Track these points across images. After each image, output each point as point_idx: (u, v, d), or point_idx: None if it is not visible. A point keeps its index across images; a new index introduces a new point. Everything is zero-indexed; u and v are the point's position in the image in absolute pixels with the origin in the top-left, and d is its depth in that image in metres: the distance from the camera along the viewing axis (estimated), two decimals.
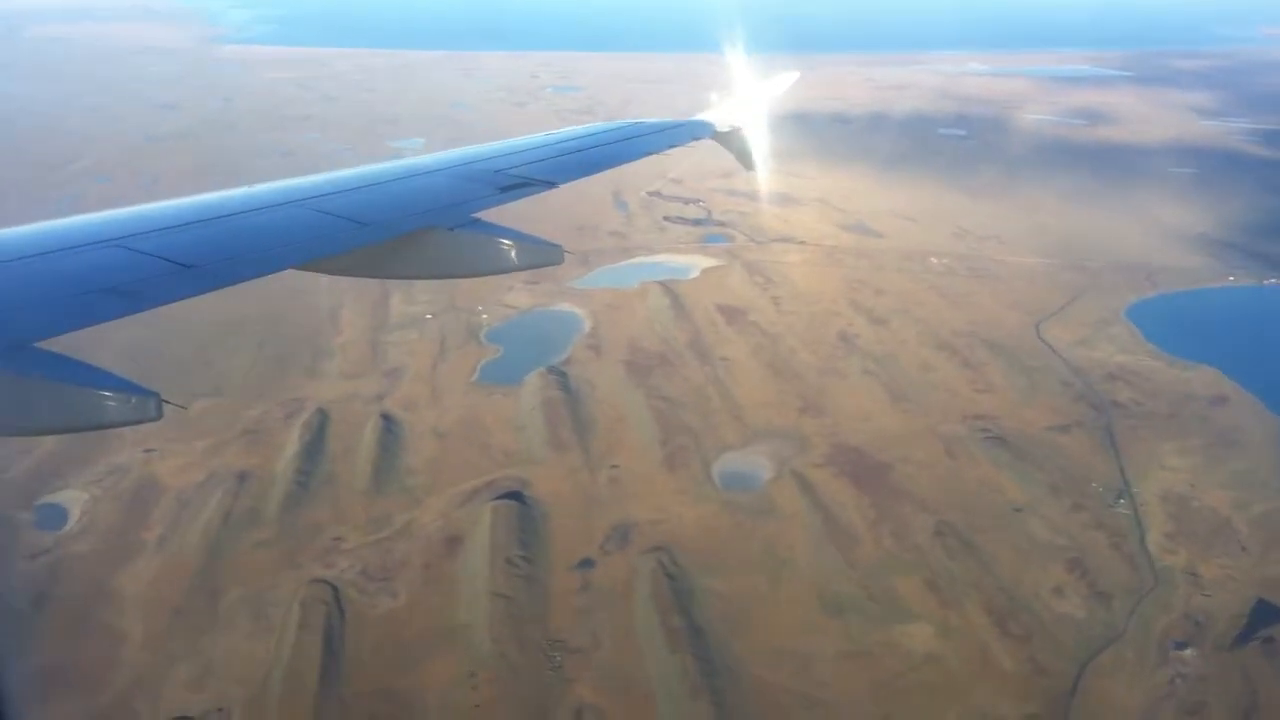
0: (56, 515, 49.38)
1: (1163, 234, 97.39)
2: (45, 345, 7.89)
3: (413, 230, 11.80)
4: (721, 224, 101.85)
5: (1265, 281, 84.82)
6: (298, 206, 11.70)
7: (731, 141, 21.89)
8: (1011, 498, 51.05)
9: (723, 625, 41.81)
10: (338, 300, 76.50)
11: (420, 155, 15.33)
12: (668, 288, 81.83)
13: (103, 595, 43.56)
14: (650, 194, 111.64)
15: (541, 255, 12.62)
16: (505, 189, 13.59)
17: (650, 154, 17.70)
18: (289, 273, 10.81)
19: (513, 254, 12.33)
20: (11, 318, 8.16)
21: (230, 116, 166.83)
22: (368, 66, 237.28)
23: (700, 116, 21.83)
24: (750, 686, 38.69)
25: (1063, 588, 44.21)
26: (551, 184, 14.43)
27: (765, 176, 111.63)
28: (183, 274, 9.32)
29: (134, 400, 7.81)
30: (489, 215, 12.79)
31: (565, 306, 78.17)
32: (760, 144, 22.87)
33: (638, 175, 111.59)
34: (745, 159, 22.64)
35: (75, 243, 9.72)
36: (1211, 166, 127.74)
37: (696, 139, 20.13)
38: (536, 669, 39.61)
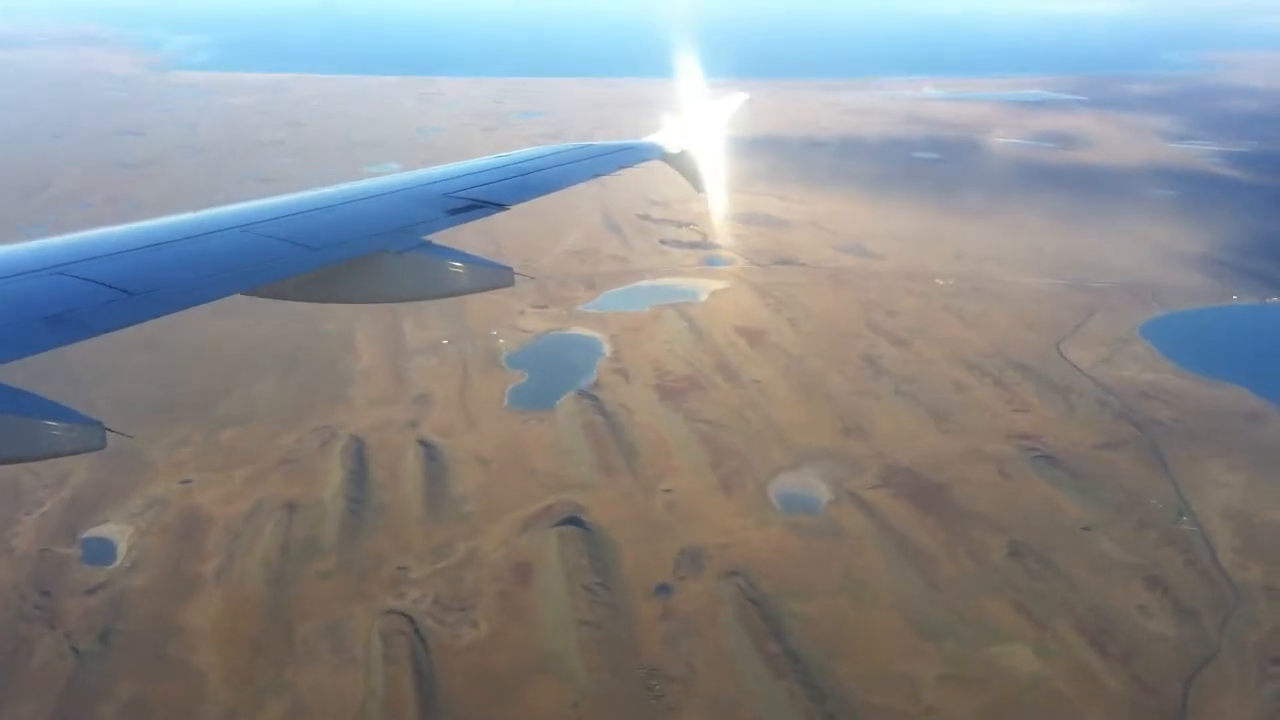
0: (104, 550, 47.65)
1: (1159, 255, 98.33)
2: None
3: (361, 254, 11.68)
4: (719, 247, 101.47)
5: (1267, 300, 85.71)
6: (244, 231, 11.45)
7: (681, 163, 21.92)
8: (1076, 517, 50.73)
9: (817, 650, 40.99)
10: (348, 326, 75.06)
11: (366, 180, 15.11)
12: (681, 311, 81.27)
13: (170, 630, 41.93)
14: (640, 217, 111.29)
15: (492, 277, 12.52)
16: (455, 211, 13.54)
17: (600, 175, 17.70)
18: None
19: (463, 276, 12.24)
20: None
21: (198, 142, 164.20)
22: (324, 92, 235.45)
23: (650, 139, 21.77)
24: (860, 712, 37.89)
25: (1148, 606, 43.87)
26: (501, 206, 14.33)
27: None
28: (125, 301, 9.05)
29: (78, 429, 7.75)
30: (441, 237, 12.73)
31: (581, 330, 77.26)
32: (710, 166, 22.74)
33: (623, 199, 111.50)
34: (695, 181, 22.50)
35: (14, 270, 9.38)
36: (1190, 189, 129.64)
37: (645, 161, 20.08)
38: (638, 698, 38.55)
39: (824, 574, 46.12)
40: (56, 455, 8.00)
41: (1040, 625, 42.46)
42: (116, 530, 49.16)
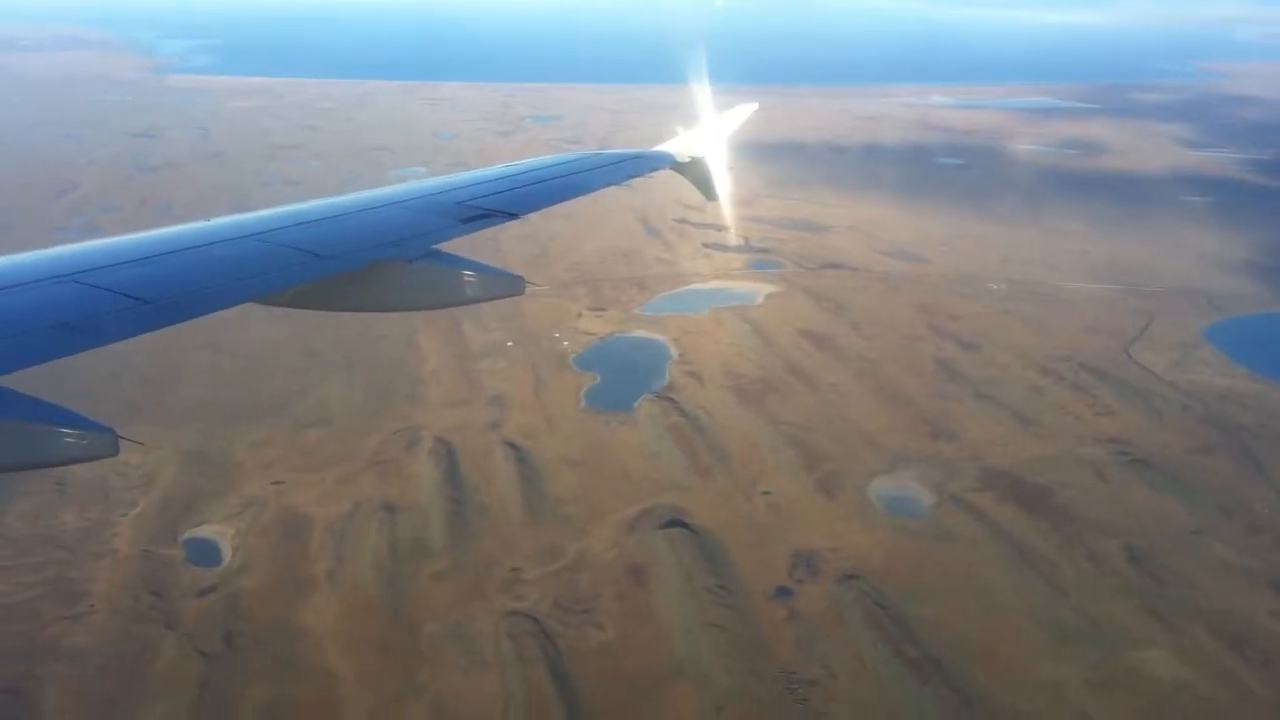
0: (208, 551, 46.72)
1: (1205, 260, 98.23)
2: (0, 382, 7.83)
3: (372, 262, 11.70)
4: (764, 250, 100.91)
5: None
6: (255, 240, 11.50)
7: (691, 172, 21.76)
8: (1184, 521, 50.27)
9: (953, 655, 40.30)
10: (409, 328, 74.17)
11: (378, 188, 15.02)
12: (739, 314, 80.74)
13: (293, 632, 41.07)
14: (678, 221, 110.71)
15: (503, 287, 12.75)
16: (466, 220, 13.53)
17: (610, 185, 17.62)
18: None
19: (474, 285, 12.40)
20: None
21: (214, 146, 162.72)
22: (330, 96, 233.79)
23: (660, 147, 21.64)
24: (1013, 718, 37.16)
25: (1278, 611, 43.30)
26: (513, 215, 14.32)
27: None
28: (138, 309, 9.20)
29: (90, 437, 7.83)
30: (459, 246, 12.83)
31: (643, 333, 76.58)
32: (721, 175, 22.44)
33: (656, 204, 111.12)
34: (706, 189, 22.29)
35: (28, 279, 9.50)
36: (1222, 195, 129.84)
37: (656, 170, 20.08)
38: (782, 703, 37.85)
39: (943, 578, 45.49)
40: (70, 462, 8.05)
41: (1174, 630, 41.91)
42: (217, 531, 48.22)
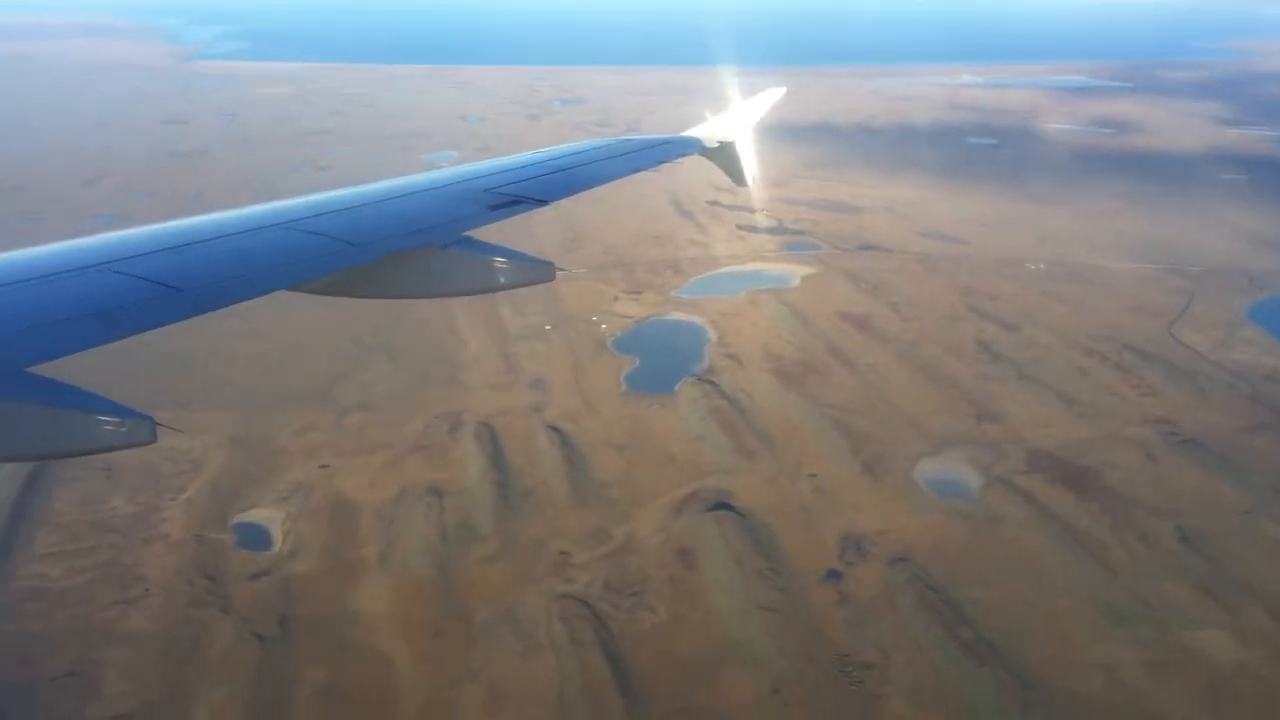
0: (259, 535, 46.91)
1: (1243, 239, 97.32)
2: (39, 370, 7.92)
3: (405, 249, 11.84)
4: (799, 233, 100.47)
5: None
6: (288, 228, 11.64)
7: (720, 157, 21.85)
8: (1236, 501, 49.82)
9: (1008, 637, 40.08)
10: (445, 314, 74.19)
11: (407, 176, 15.12)
12: (777, 296, 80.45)
13: (347, 616, 41.22)
14: (710, 204, 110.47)
15: (534, 272, 12.79)
16: (495, 207, 13.68)
17: (640, 170, 17.76)
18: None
19: (505, 271, 12.53)
20: (2, 344, 8.15)
21: (244, 131, 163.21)
22: (356, 80, 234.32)
23: (688, 133, 21.70)
24: (1063, 699, 36.99)
25: None
26: (543, 202, 14.49)
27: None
28: (173, 297, 9.34)
29: (129, 424, 7.90)
30: (481, 233, 12.93)
31: (680, 316, 76.39)
32: (750, 160, 22.50)
33: (687, 188, 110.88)
34: (735, 174, 22.44)
35: (66, 267, 9.65)
36: (1260, 173, 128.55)
37: (684, 155, 20.13)
38: (838, 685, 37.74)
39: (994, 561, 45.24)
40: (109, 449, 8.12)
41: (1230, 610, 41.58)
42: (267, 515, 48.41)
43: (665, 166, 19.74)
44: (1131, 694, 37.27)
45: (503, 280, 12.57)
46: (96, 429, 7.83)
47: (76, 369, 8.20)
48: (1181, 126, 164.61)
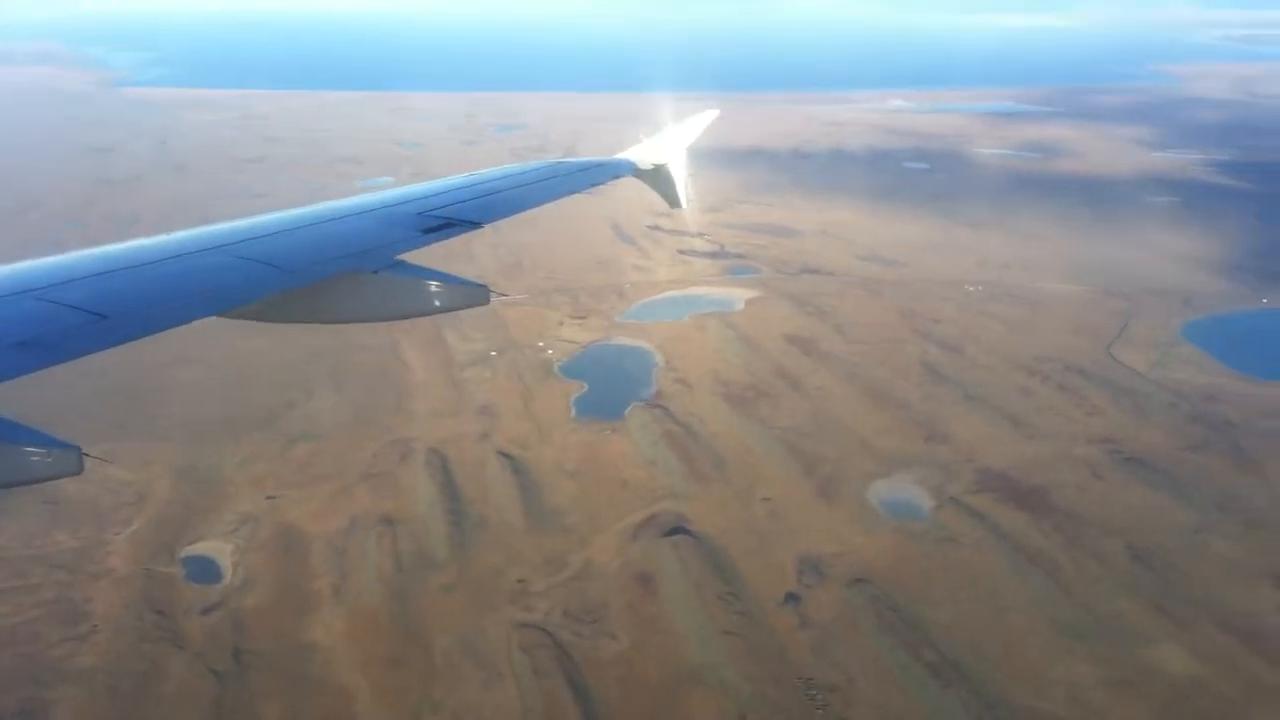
0: (208, 568, 46.06)
1: (1178, 260, 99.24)
2: None
3: (336, 274, 11.68)
4: (739, 256, 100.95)
5: None
6: (218, 253, 11.42)
7: (654, 179, 22.03)
8: (1182, 518, 50.61)
9: (970, 657, 40.32)
10: (390, 338, 73.61)
11: (339, 200, 15.03)
12: (722, 320, 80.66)
13: (302, 648, 40.54)
14: (650, 228, 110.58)
15: (468, 296, 12.52)
16: (429, 230, 13.53)
17: (575, 192, 17.72)
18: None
19: (439, 295, 12.26)
20: None
21: (175, 159, 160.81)
22: (289, 107, 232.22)
23: (622, 155, 21.82)
24: (1033, 719, 37.16)
25: None
26: (477, 224, 14.25)
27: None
28: (99, 325, 9.04)
29: (54, 454, 7.66)
30: (419, 257, 12.83)
31: (627, 340, 76.26)
32: (684, 182, 22.75)
33: (626, 211, 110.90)
34: (670, 197, 22.60)
35: None
36: (1188, 196, 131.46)
37: (618, 178, 20.18)
38: (804, 708, 37.72)
39: (951, 580, 45.54)
40: (33, 481, 7.81)
41: (1184, 626, 42.16)
42: (215, 548, 47.56)
43: (604, 192, 19.83)
44: (1092, 711, 37.61)
45: (437, 304, 12.29)
46: (18, 459, 7.58)
47: (7, 400, 7.92)
48: (1109, 150, 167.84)
